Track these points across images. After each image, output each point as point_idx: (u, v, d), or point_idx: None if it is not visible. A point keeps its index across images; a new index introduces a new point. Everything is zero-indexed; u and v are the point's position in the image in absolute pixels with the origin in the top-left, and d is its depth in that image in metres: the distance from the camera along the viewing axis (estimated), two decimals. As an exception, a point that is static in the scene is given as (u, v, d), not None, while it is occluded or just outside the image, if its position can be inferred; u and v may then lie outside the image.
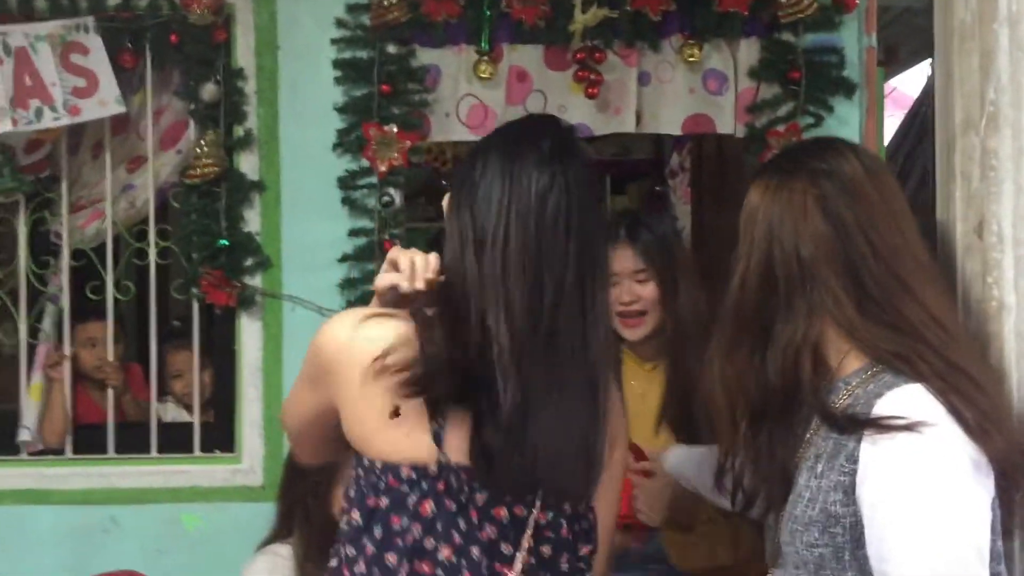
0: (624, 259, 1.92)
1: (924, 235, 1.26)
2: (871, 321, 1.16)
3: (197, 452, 2.55)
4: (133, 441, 2.56)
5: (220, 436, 2.56)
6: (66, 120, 2.37)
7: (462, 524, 1.12)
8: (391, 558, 1.12)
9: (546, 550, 1.15)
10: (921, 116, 3.86)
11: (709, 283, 3.83)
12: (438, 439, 1.12)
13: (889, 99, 2.92)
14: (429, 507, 1.12)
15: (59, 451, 2.56)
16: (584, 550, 1.19)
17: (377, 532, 1.13)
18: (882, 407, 1.11)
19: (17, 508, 2.51)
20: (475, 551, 1.12)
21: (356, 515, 1.15)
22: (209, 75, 2.48)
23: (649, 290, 1.92)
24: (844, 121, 2.49)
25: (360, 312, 1.20)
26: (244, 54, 2.52)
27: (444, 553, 1.12)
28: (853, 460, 1.12)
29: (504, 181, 1.13)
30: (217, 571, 2.44)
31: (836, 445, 1.15)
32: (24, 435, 2.52)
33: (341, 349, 1.16)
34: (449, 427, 1.12)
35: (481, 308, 1.12)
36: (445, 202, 1.20)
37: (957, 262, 1.42)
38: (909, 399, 1.11)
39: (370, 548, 1.13)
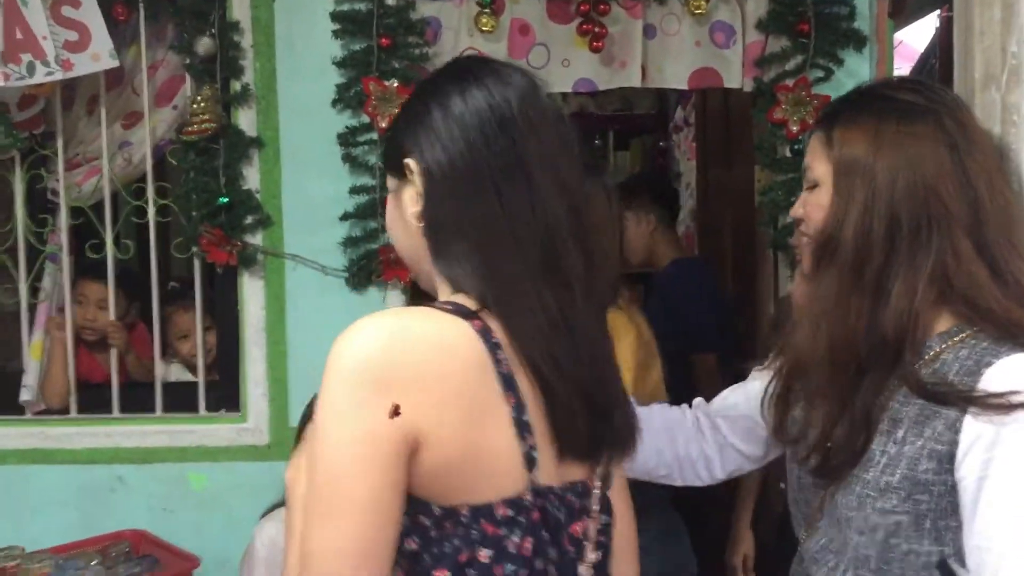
0: None
1: None
2: (998, 285, 1.08)
3: (202, 412, 2.55)
4: (137, 401, 2.55)
5: (225, 396, 2.55)
6: (59, 75, 2.31)
7: (554, 553, 0.97)
8: None
9: (597, 556, 1.05)
10: (928, 68, 3.80)
11: (714, 237, 3.83)
12: (531, 461, 0.94)
13: (896, 52, 2.86)
14: (530, 544, 0.95)
15: (64, 411, 2.55)
16: (610, 543, 1.10)
17: None
18: (992, 379, 1.04)
19: (22, 468, 2.52)
20: None
21: None
22: (204, 28, 2.42)
23: None
24: (854, 74, 2.45)
25: (383, 315, 0.94)
26: (239, 6, 2.46)
27: None
28: (954, 430, 1.05)
29: (492, 104, 0.98)
30: (224, 529, 2.46)
31: (924, 411, 1.09)
32: (25, 394, 2.51)
33: (400, 363, 0.90)
34: (539, 443, 0.95)
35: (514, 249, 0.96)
36: (413, 164, 1.02)
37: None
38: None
39: None
